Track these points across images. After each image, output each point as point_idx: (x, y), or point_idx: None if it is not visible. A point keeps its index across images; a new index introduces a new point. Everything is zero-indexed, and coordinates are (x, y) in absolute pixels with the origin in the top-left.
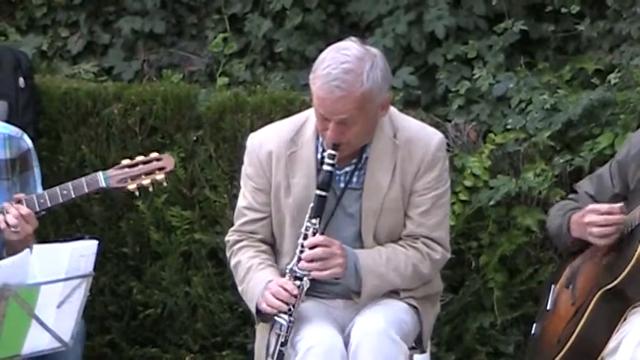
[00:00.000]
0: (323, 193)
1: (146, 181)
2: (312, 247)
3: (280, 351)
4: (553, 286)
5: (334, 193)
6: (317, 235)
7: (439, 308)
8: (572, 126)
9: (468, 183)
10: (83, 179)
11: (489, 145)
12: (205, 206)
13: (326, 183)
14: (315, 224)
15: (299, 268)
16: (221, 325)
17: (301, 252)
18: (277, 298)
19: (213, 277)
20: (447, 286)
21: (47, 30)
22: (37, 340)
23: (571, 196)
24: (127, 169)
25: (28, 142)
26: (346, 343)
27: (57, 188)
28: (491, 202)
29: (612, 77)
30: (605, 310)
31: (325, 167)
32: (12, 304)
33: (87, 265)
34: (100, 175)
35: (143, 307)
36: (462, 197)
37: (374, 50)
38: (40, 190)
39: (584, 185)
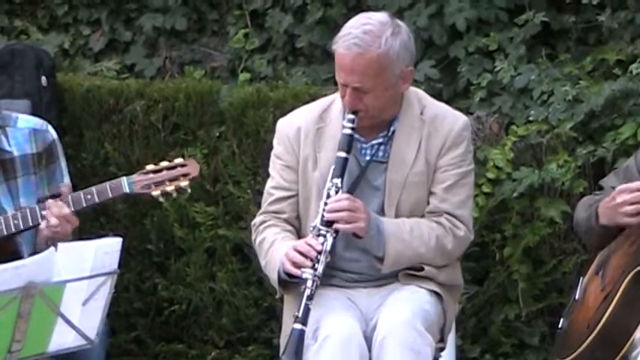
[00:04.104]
0: (343, 155)
1: (170, 188)
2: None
3: (306, 305)
4: (581, 277)
5: (359, 166)
6: (340, 193)
7: (458, 308)
8: (595, 117)
9: (490, 175)
10: (107, 184)
11: (512, 137)
12: (229, 202)
13: (345, 145)
14: (336, 184)
15: (323, 221)
16: (246, 320)
17: (324, 210)
18: (300, 253)
19: (237, 273)
20: (471, 278)
21: (69, 28)
22: (62, 337)
23: (597, 192)
24: (151, 175)
25: (52, 133)
26: (370, 335)
27: (80, 193)
28: (515, 194)
29: (634, 67)
30: (637, 293)
31: (344, 131)
32: (37, 302)
33: (112, 262)
34: (124, 180)
35: (168, 303)
36: (485, 189)
37: (401, 23)
38: (67, 180)
39: (610, 180)
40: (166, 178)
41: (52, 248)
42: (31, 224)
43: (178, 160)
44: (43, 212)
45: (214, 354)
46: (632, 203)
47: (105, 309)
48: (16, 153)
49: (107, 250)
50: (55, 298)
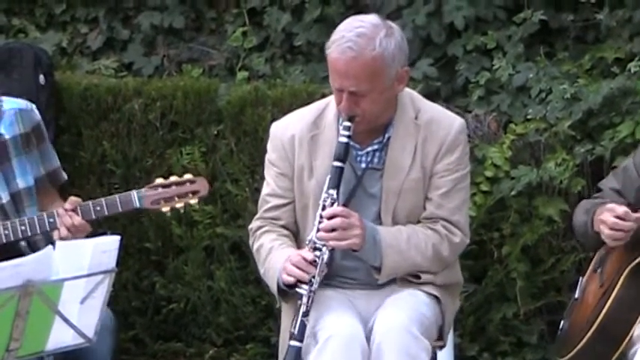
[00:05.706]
0: (339, 164)
1: (179, 204)
2: (330, 218)
3: (302, 321)
4: (581, 277)
5: (355, 174)
6: (335, 205)
7: (459, 304)
8: (593, 115)
9: (489, 174)
10: (117, 197)
11: (510, 136)
12: (227, 200)
13: (341, 154)
14: (332, 195)
15: (318, 239)
16: (244, 318)
17: (320, 222)
18: (297, 267)
19: (235, 271)
20: (469, 277)
21: (67, 26)
22: (60, 336)
23: (595, 195)
24: (160, 190)
25: (37, 113)
26: (368, 337)
27: (89, 203)
28: (513, 193)
29: (632, 66)
30: (634, 287)
31: (340, 139)
32: (35, 300)
33: (109, 260)
34: (134, 194)
35: (166, 301)
36: (484, 188)
37: (393, 24)
38: (57, 161)
39: (608, 182)
40: (175, 194)
41: (50, 246)
42: (38, 231)
43: (187, 177)
44: (51, 220)
45: (212, 352)
46: (609, 227)
47: (103, 307)
48: (7, 136)
49: (105, 248)
50: (53, 297)
